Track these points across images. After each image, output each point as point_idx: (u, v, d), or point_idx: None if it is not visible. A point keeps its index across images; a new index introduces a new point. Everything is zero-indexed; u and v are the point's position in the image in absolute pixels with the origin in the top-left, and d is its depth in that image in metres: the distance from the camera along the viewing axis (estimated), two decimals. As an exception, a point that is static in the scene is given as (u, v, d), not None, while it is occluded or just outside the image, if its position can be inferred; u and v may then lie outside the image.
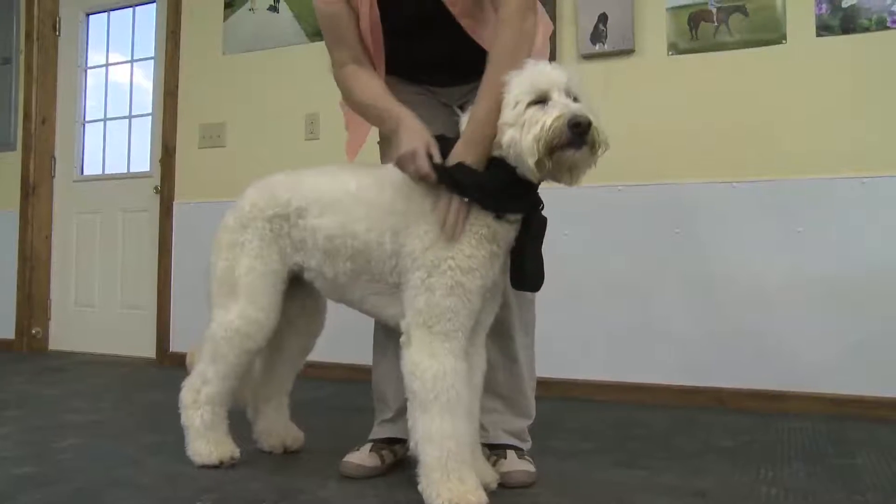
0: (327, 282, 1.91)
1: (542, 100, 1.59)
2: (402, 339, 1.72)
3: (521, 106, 1.59)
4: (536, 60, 1.67)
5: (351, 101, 1.96)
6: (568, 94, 1.60)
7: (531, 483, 1.88)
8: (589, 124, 1.55)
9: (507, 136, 1.60)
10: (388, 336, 1.99)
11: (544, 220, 1.74)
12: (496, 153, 1.66)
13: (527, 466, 1.92)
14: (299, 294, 2.10)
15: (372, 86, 1.88)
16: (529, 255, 1.71)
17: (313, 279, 1.94)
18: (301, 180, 1.96)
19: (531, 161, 1.56)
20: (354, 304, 1.91)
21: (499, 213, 1.68)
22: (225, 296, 1.98)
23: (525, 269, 1.72)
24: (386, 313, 1.83)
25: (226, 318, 1.96)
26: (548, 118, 1.55)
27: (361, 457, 1.97)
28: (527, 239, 1.71)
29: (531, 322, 2.06)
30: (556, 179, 1.65)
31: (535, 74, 1.62)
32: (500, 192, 1.66)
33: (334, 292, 1.94)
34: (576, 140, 1.55)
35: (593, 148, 1.58)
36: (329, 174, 1.94)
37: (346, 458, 1.97)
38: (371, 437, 2.05)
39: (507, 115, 1.61)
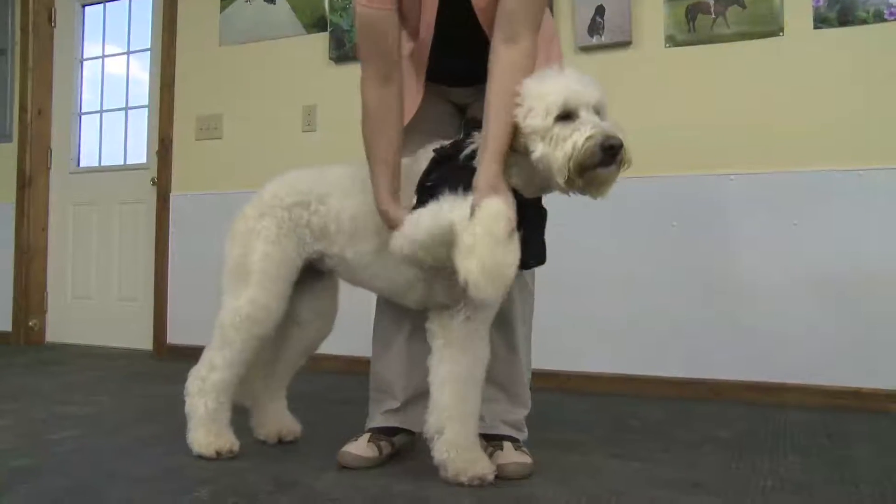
0: (348, 265, 1.94)
1: (569, 115, 1.62)
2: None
3: (550, 118, 1.62)
4: (562, 68, 1.70)
5: (363, 126, 1.89)
6: (595, 110, 1.64)
7: (527, 475, 1.88)
8: (621, 145, 1.59)
9: (539, 151, 1.63)
10: (399, 329, 2.04)
11: (544, 211, 1.83)
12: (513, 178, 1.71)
13: (523, 458, 1.92)
14: (313, 297, 2.13)
15: (392, 142, 1.85)
16: (532, 241, 1.77)
17: (335, 265, 1.98)
18: (324, 172, 2.01)
19: (560, 179, 1.61)
20: (374, 281, 1.93)
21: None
22: (236, 283, 1.99)
23: (525, 254, 1.77)
24: (395, 280, 1.86)
25: (235, 304, 1.97)
26: (579, 137, 1.59)
27: (359, 447, 1.97)
28: (527, 229, 1.75)
29: (530, 313, 2.09)
30: (583, 193, 1.69)
31: (567, 89, 1.64)
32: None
33: (355, 274, 1.96)
34: (607, 160, 1.60)
35: (621, 165, 1.63)
36: (354, 166, 1.98)
37: (344, 449, 1.98)
38: (371, 425, 2.06)
39: (536, 123, 1.63)
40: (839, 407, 2.77)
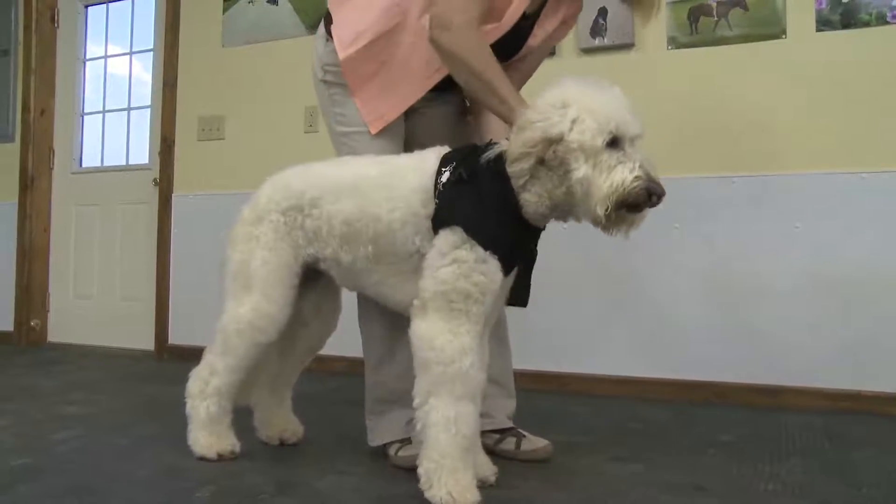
0: (343, 269, 1.90)
1: (614, 141, 1.56)
2: (415, 305, 1.69)
3: (600, 140, 1.54)
4: (610, 86, 1.64)
5: (472, 56, 1.79)
6: (631, 143, 1.59)
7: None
8: (664, 195, 1.54)
9: (582, 172, 1.54)
10: (396, 334, 1.93)
11: (536, 254, 1.80)
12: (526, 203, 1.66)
13: (545, 441, 2.06)
14: (315, 296, 2.12)
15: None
16: (518, 284, 1.78)
17: (329, 268, 1.94)
18: (316, 171, 1.96)
19: (601, 210, 1.53)
20: (371, 287, 1.89)
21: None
22: (239, 289, 1.97)
23: (517, 292, 1.80)
24: (404, 291, 1.78)
25: (238, 311, 1.96)
26: (628, 174, 1.52)
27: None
28: (522, 269, 1.78)
29: None
30: (606, 227, 1.60)
31: (621, 114, 1.57)
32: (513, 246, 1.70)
33: (349, 279, 1.93)
34: (648, 205, 1.55)
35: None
36: (345, 164, 1.96)
37: (401, 454, 1.96)
38: (398, 437, 2.01)
39: (585, 139, 1.54)
40: (841, 410, 2.77)
